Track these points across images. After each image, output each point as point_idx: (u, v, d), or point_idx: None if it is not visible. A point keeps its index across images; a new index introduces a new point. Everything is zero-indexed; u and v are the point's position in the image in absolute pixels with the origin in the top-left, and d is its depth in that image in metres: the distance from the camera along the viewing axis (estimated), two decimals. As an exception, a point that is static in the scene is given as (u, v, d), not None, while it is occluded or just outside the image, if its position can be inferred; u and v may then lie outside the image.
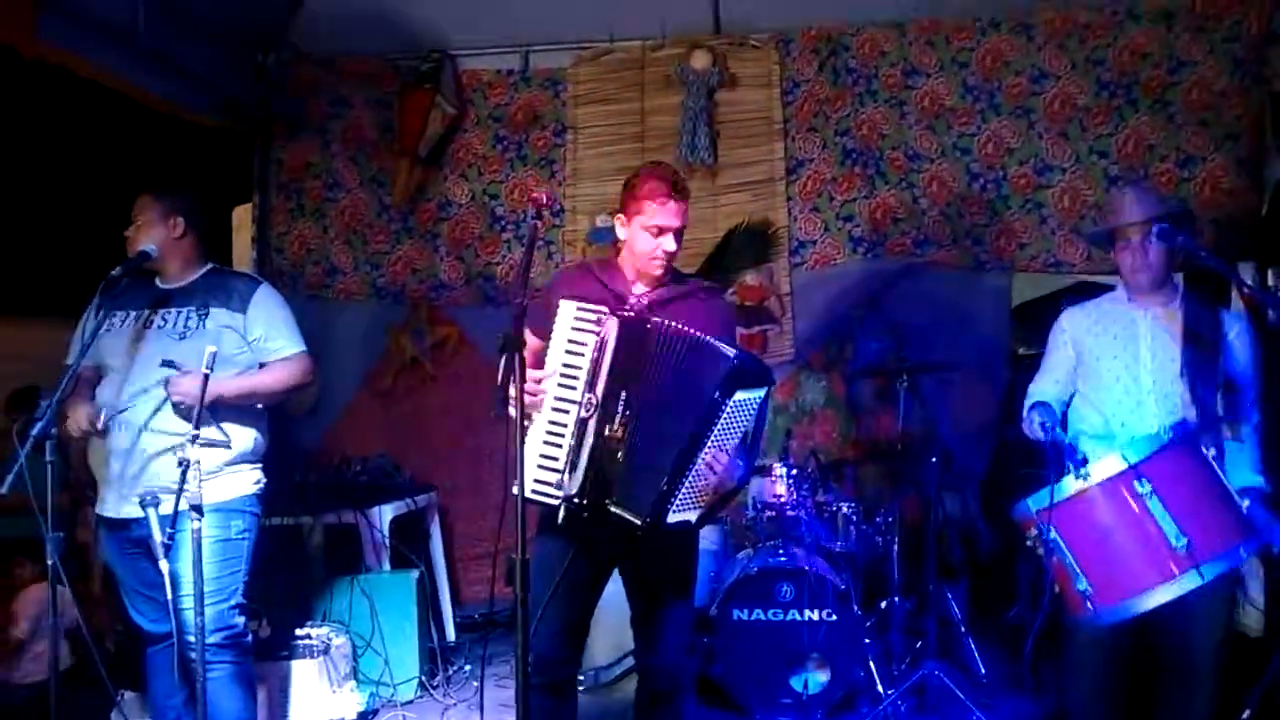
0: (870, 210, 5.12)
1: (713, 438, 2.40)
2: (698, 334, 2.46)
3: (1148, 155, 4.72)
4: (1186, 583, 2.38)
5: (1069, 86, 4.85)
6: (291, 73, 5.37)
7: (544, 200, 2.53)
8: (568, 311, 2.50)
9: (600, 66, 5.32)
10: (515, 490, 2.29)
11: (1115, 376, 2.88)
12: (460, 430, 5.24)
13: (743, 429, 2.46)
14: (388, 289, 5.48)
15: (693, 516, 2.48)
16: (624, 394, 2.43)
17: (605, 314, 2.48)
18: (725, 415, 2.40)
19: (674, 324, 2.48)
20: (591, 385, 2.45)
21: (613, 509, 2.45)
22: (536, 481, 2.45)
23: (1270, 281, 3.73)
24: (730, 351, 2.42)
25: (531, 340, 2.67)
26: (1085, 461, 2.53)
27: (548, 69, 5.36)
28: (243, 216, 5.63)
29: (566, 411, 2.46)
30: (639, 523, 2.41)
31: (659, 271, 2.67)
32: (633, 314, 2.52)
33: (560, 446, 2.45)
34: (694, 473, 2.42)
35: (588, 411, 2.43)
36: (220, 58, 4.97)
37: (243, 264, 5.41)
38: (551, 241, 5.35)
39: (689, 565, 2.77)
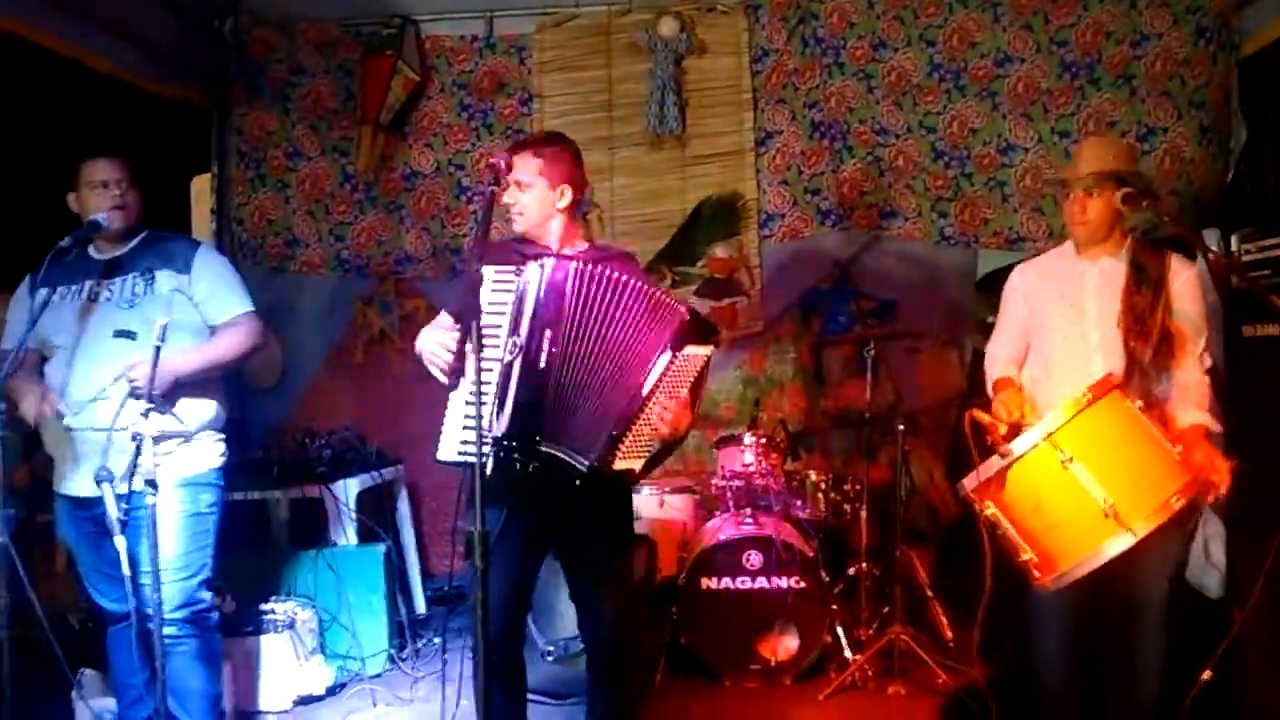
0: (838, 183, 5.13)
1: (662, 388, 2.45)
2: (639, 283, 2.47)
3: (1109, 132, 4.75)
4: (1119, 544, 2.39)
5: (1033, 70, 4.87)
6: (249, 39, 5.24)
7: (501, 166, 2.49)
8: (488, 276, 2.45)
9: (565, 32, 5.24)
10: (441, 457, 2.35)
11: (1062, 332, 2.88)
12: (429, 403, 5.18)
13: (690, 382, 2.51)
14: (352, 261, 5.40)
15: (637, 465, 2.51)
16: (548, 333, 2.40)
17: (523, 265, 2.45)
18: (675, 368, 2.45)
19: (603, 269, 2.46)
20: (515, 330, 2.40)
21: (551, 450, 2.41)
22: (462, 443, 2.38)
23: (1234, 247, 3.75)
24: (682, 307, 2.48)
25: (445, 319, 2.69)
26: (1010, 436, 2.54)
27: (512, 34, 5.27)
28: (201, 187, 5.52)
29: (491, 370, 2.39)
30: (582, 467, 2.40)
31: (515, 227, 2.69)
32: (554, 257, 2.49)
33: (486, 403, 2.33)
34: (642, 421, 2.45)
35: (512, 354, 2.39)
36: (175, 23, 4.84)
37: (202, 235, 5.30)
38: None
39: (623, 533, 2.77)
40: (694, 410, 2.60)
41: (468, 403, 2.35)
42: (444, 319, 2.73)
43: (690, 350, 2.47)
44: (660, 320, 2.45)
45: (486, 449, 2.30)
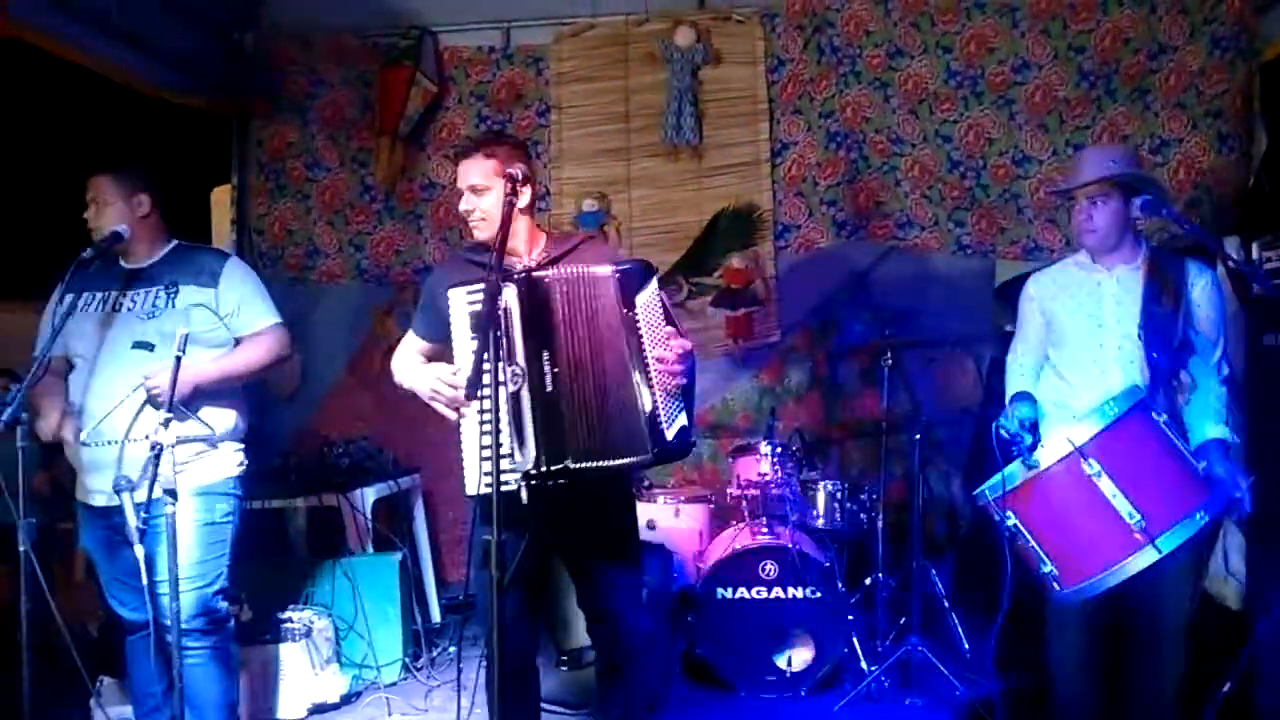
0: (853, 194, 5.12)
1: (648, 347, 2.44)
2: (581, 269, 2.47)
3: (1122, 145, 4.71)
4: (1144, 558, 2.38)
5: (1050, 76, 4.86)
6: (269, 51, 5.30)
7: (518, 175, 2.49)
8: (459, 299, 2.44)
9: (583, 43, 5.26)
10: (470, 492, 2.35)
11: (1080, 342, 2.85)
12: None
13: (661, 319, 2.50)
14: (371, 271, 5.44)
15: (685, 419, 2.51)
16: (545, 353, 2.39)
17: (500, 286, 2.41)
18: (642, 321, 2.44)
19: (563, 270, 2.48)
20: (510, 357, 2.38)
21: (609, 463, 2.41)
22: (486, 474, 2.32)
23: (1255, 254, 3.72)
24: (606, 269, 2.46)
25: (419, 344, 2.70)
26: (1035, 447, 2.52)
27: (530, 45, 5.30)
28: (221, 197, 5.58)
29: (488, 397, 2.32)
30: (649, 457, 2.41)
31: (478, 235, 2.62)
32: (523, 275, 2.47)
33: (500, 431, 2.30)
34: (658, 385, 2.44)
35: (516, 384, 2.37)
36: (196, 36, 4.91)
37: (223, 246, 5.34)
38: (538, 226, 5.31)
39: (627, 536, 2.75)
40: (680, 332, 2.57)
41: (482, 433, 2.34)
42: (413, 343, 2.73)
43: (642, 298, 2.45)
44: (605, 293, 2.44)
45: (512, 477, 2.31)
